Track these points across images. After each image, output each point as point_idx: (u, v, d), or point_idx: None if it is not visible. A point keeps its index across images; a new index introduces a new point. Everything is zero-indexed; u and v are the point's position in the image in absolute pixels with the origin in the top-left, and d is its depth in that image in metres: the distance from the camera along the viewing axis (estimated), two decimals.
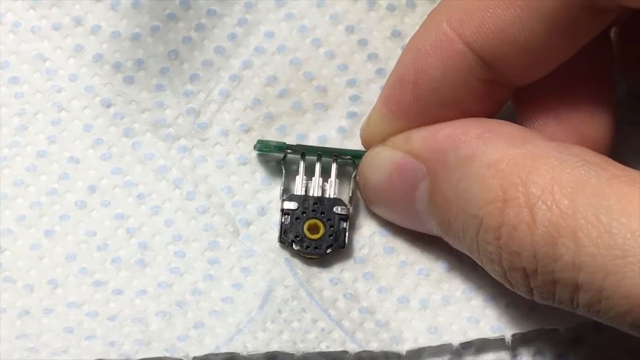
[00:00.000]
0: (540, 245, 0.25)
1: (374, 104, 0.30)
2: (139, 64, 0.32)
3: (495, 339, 0.29)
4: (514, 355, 0.29)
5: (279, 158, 0.31)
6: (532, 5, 0.26)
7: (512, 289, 0.27)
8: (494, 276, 0.27)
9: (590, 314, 0.25)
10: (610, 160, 0.25)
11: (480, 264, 0.27)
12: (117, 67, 0.32)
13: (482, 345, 0.29)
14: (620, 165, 0.25)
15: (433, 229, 0.29)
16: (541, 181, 0.25)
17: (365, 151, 0.30)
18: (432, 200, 0.28)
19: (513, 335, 0.29)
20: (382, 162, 0.29)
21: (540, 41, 0.27)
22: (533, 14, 0.26)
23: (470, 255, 0.28)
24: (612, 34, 0.30)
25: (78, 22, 0.32)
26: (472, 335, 0.29)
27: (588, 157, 0.25)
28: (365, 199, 0.30)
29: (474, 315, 0.29)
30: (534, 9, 0.26)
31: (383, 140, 0.30)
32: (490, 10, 0.27)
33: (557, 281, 0.25)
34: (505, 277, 0.26)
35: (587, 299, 0.25)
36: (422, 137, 0.28)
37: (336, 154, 0.31)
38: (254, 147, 0.31)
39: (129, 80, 0.32)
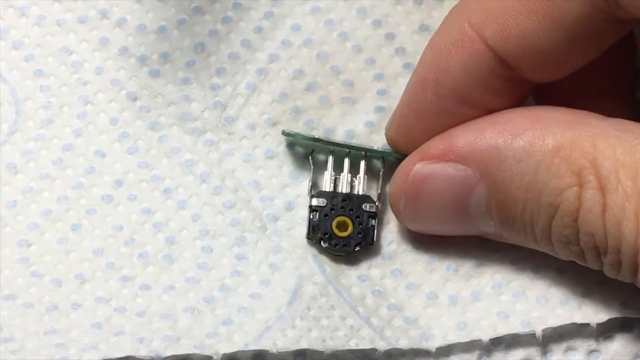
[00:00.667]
0: (609, 226, 0.26)
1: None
2: (165, 57, 0.32)
3: (525, 335, 0.29)
4: (545, 352, 0.29)
5: (306, 152, 0.31)
6: (554, 14, 0.26)
7: (585, 265, 0.27)
8: (565, 258, 0.28)
9: None
10: None
11: (548, 251, 0.28)
12: (143, 60, 0.32)
13: (512, 341, 0.29)
14: None
15: (488, 229, 0.29)
16: (607, 163, 0.26)
17: (392, 151, 0.30)
18: (494, 201, 0.28)
19: (543, 331, 0.29)
20: (425, 178, 0.29)
21: (560, 48, 0.27)
22: (555, 23, 0.27)
23: (534, 246, 0.28)
24: None
25: (104, 15, 0.32)
26: (502, 330, 0.29)
27: None
28: (405, 218, 0.30)
29: (504, 311, 0.29)
30: (556, 18, 0.26)
31: (406, 139, 0.29)
32: (512, 15, 0.27)
33: (622, 260, 0.26)
34: (583, 256, 0.27)
35: None
36: (467, 142, 0.28)
37: (363, 153, 0.30)
38: (282, 132, 0.31)
39: (154, 74, 0.32)
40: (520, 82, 0.28)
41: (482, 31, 0.27)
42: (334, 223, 0.30)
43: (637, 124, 0.26)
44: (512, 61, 0.27)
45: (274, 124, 0.32)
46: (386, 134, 0.30)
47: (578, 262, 0.27)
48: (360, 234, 0.30)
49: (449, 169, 0.28)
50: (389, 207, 0.31)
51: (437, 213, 0.29)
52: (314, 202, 0.30)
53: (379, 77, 0.32)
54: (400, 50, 0.32)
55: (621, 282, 0.29)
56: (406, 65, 0.32)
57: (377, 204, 0.30)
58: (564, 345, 0.29)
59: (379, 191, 0.31)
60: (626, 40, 0.29)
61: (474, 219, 0.28)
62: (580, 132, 0.26)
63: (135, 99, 0.31)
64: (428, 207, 0.29)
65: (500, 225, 0.28)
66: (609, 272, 0.27)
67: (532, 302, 0.29)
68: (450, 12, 0.29)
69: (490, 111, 0.28)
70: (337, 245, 0.30)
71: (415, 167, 0.29)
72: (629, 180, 0.25)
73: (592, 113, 0.27)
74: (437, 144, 0.28)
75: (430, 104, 0.29)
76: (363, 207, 0.30)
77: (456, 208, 0.28)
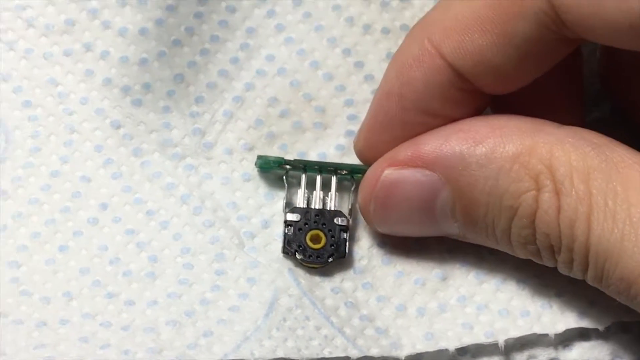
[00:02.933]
0: (563, 226, 0.27)
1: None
2: (147, 87, 0.33)
3: (489, 344, 0.30)
4: None
5: (281, 174, 0.32)
6: (506, 33, 0.28)
7: (541, 263, 0.29)
8: (523, 256, 0.29)
9: (600, 287, 0.28)
10: (615, 141, 0.28)
11: (507, 250, 0.29)
12: (125, 90, 0.33)
13: (477, 350, 0.30)
14: (626, 147, 0.27)
15: (452, 230, 0.30)
16: (562, 168, 0.27)
17: (361, 165, 0.32)
18: (458, 204, 0.29)
19: (506, 341, 0.30)
20: (393, 183, 0.30)
21: (513, 64, 0.29)
22: (507, 41, 0.28)
23: (494, 246, 0.30)
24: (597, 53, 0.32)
25: (88, 48, 0.33)
26: (467, 341, 0.30)
27: (595, 139, 0.28)
28: (374, 221, 0.31)
29: (469, 322, 0.31)
30: (508, 37, 0.28)
31: (373, 150, 0.31)
32: (469, 34, 0.29)
33: (574, 259, 0.27)
34: (539, 255, 0.28)
35: (593, 275, 0.27)
36: (433, 149, 0.29)
37: (332, 168, 0.32)
38: (255, 163, 0.32)
39: (137, 103, 0.33)
40: (478, 93, 0.30)
41: (440, 48, 0.29)
42: (308, 236, 0.31)
43: (589, 131, 0.28)
44: (469, 75, 0.29)
45: (250, 149, 0.33)
46: (355, 147, 0.32)
47: (534, 260, 0.29)
48: (333, 246, 0.31)
49: (416, 174, 0.29)
50: (360, 223, 0.32)
51: (405, 216, 0.30)
52: (289, 217, 0.31)
53: (349, 102, 0.33)
54: (369, 78, 0.33)
55: (577, 294, 0.30)
56: (375, 92, 0.32)
57: (348, 218, 0.32)
58: (526, 353, 0.30)
59: (349, 207, 0.32)
60: (575, 56, 0.31)
61: (439, 221, 0.30)
62: (538, 139, 0.28)
63: (118, 127, 0.33)
64: (396, 211, 0.30)
65: (463, 227, 0.30)
66: (562, 269, 0.28)
67: (495, 314, 0.31)
68: (412, 29, 0.30)
69: (452, 120, 0.30)
70: (311, 257, 0.31)
71: (385, 172, 0.30)
72: (582, 184, 0.27)
73: (548, 121, 0.29)
74: (404, 151, 0.30)
75: (395, 116, 0.30)
76: (335, 221, 0.31)
77: (423, 211, 0.30)
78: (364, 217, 0.31)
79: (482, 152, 0.28)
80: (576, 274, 0.28)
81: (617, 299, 0.28)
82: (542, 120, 0.29)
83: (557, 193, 0.27)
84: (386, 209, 0.30)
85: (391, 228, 0.31)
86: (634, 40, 0.27)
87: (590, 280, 0.28)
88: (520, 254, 0.29)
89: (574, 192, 0.27)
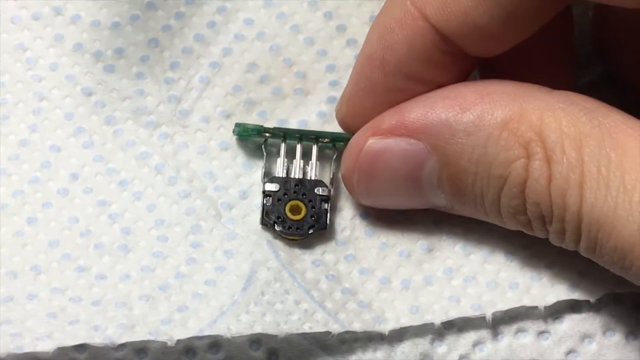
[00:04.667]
0: (554, 195, 0.26)
1: None
2: (119, 52, 0.32)
3: (476, 318, 0.29)
4: (496, 334, 0.30)
5: (259, 142, 0.31)
6: None
7: (532, 234, 0.28)
8: (513, 227, 0.28)
9: (593, 257, 0.27)
10: (608, 106, 0.27)
11: (496, 222, 0.29)
12: (97, 56, 0.32)
13: (464, 324, 0.29)
14: (620, 112, 0.27)
15: (440, 202, 0.29)
16: (553, 135, 0.26)
17: (343, 133, 0.31)
18: (445, 174, 0.28)
19: (494, 314, 0.29)
20: (378, 153, 0.29)
21: (499, 25, 0.28)
22: (493, 0, 0.27)
23: (483, 217, 0.29)
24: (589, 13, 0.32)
25: (58, 12, 0.32)
26: (454, 314, 0.29)
27: (587, 104, 0.27)
28: (357, 193, 0.30)
29: (455, 295, 0.30)
30: None
31: (356, 118, 0.30)
32: None
33: (565, 229, 0.27)
34: (530, 226, 0.28)
35: (586, 246, 0.27)
36: (418, 116, 0.28)
37: (313, 136, 0.31)
38: (233, 131, 0.31)
39: (109, 69, 0.32)
40: (464, 56, 0.29)
41: (424, 9, 0.28)
42: (287, 207, 0.30)
43: (581, 96, 0.27)
44: (453, 37, 0.28)
45: (228, 116, 0.32)
46: (336, 115, 0.31)
47: (525, 231, 0.28)
48: (314, 217, 0.30)
49: (401, 144, 0.29)
50: (342, 193, 0.31)
51: (390, 187, 0.29)
52: (267, 187, 0.30)
53: (330, 68, 0.32)
54: (352, 42, 0.33)
55: (568, 265, 0.30)
56: (357, 57, 0.32)
57: (329, 188, 0.31)
58: (514, 327, 0.30)
59: (331, 176, 0.31)
60: (565, 16, 0.30)
61: (425, 192, 0.29)
62: (528, 105, 0.27)
63: (90, 94, 0.32)
64: (381, 182, 0.29)
65: (451, 198, 0.29)
66: (553, 240, 0.28)
67: (483, 287, 0.30)
68: None
69: (437, 86, 0.29)
70: (291, 228, 0.30)
71: (368, 142, 0.29)
72: (574, 152, 0.26)
73: (538, 86, 0.28)
74: (388, 119, 0.29)
75: (377, 81, 0.29)
76: (316, 191, 0.30)
77: (408, 182, 0.29)
78: (347, 188, 0.31)
79: (470, 119, 0.27)
80: (568, 244, 0.27)
81: (611, 270, 0.27)
82: (532, 85, 0.28)
83: (548, 161, 0.26)
84: (370, 180, 0.29)
85: (375, 200, 0.30)
86: None
87: (583, 251, 0.27)
88: (510, 225, 0.28)
89: (565, 160, 0.26)
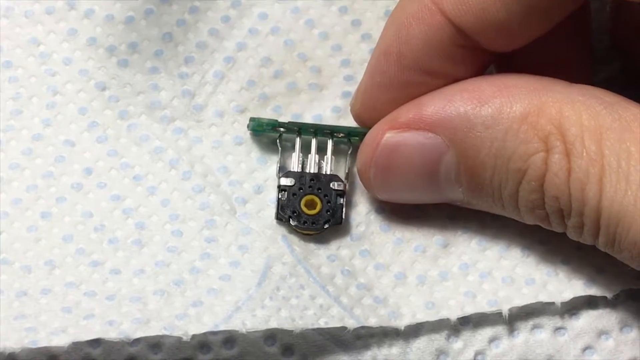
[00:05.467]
0: (573, 189, 0.26)
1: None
2: (133, 47, 0.32)
3: (492, 314, 0.29)
4: (512, 330, 0.29)
5: (274, 137, 0.31)
6: None
7: (549, 228, 0.28)
8: (531, 222, 0.28)
9: (611, 252, 0.27)
10: (627, 99, 0.27)
11: (514, 216, 0.29)
12: (111, 50, 0.32)
13: (480, 320, 0.29)
14: (638, 105, 0.26)
15: (457, 196, 0.29)
16: (573, 128, 0.26)
17: (359, 128, 0.31)
18: (462, 168, 0.28)
19: (510, 309, 0.29)
20: (395, 147, 0.29)
21: (517, 20, 0.28)
22: None
23: (500, 212, 0.29)
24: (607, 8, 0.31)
25: (71, 6, 0.32)
26: (469, 310, 0.29)
27: (607, 97, 0.27)
28: (374, 187, 0.30)
29: (471, 290, 0.30)
30: None
31: (371, 113, 0.30)
32: None
33: (584, 223, 0.27)
34: (547, 220, 0.28)
35: (604, 241, 0.27)
36: (436, 110, 0.28)
37: (328, 131, 0.31)
38: (247, 126, 0.31)
39: (123, 64, 0.32)
40: (480, 51, 0.29)
41: (441, 4, 0.28)
42: (303, 202, 0.30)
43: (600, 89, 0.27)
44: (470, 32, 0.28)
45: (242, 111, 0.32)
46: (351, 109, 0.31)
47: (543, 225, 0.28)
48: (329, 212, 0.30)
49: (418, 137, 0.28)
50: (357, 188, 0.31)
51: (407, 181, 0.29)
52: (282, 181, 0.30)
53: (345, 63, 0.32)
54: (367, 37, 0.32)
55: (584, 261, 0.29)
56: (372, 51, 0.32)
57: (345, 182, 0.31)
58: (531, 323, 0.29)
59: (346, 171, 0.31)
60: (582, 11, 0.30)
61: (443, 187, 0.29)
62: (547, 98, 0.27)
63: (104, 89, 0.32)
64: (398, 176, 0.29)
65: (468, 192, 0.29)
66: (571, 234, 0.27)
67: (499, 282, 0.30)
68: None
69: (454, 80, 0.29)
70: (306, 223, 0.30)
71: (385, 136, 0.29)
72: (593, 145, 0.26)
73: (557, 80, 0.28)
74: (405, 113, 0.29)
75: (393, 76, 0.29)
76: (331, 185, 0.30)
77: (425, 176, 0.29)
78: (363, 183, 0.30)
79: (488, 112, 0.27)
80: (586, 239, 0.27)
81: (630, 265, 0.27)
82: (551, 79, 0.28)
83: (568, 154, 0.26)
84: (387, 174, 0.29)
85: (392, 194, 0.30)
86: None
87: (601, 246, 0.27)
88: (528, 219, 0.28)
89: (585, 153, 0.26)
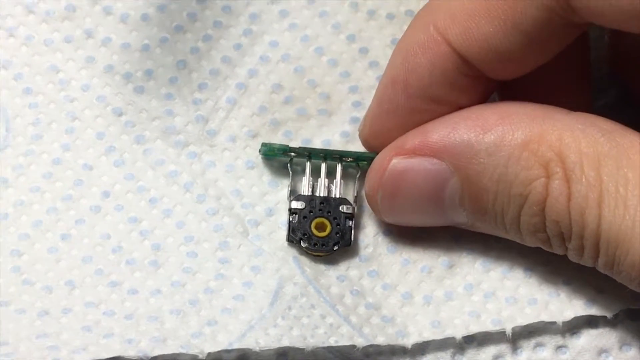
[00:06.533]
0: (574, 214, 0.27)
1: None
2: (149, 74, 0.33)
3: (496, 332, 0.30)
4: (515, 348, 0.30)
5: (285, 162, 0.32)
6: (514, 19, 0.28)
7: (550, 251, 0.29)
8: (532, 244, 0.29)
9: (610, 274, 0.28)
10: (625, 127, 0.27)
11: (516, 239, 0.29)
12: (127, 77, 0.33)
13: (484, 339, 0.30)
14: (637, 133, 0.27)
15: (461, 219, 0.30)
16: (572, 155, 0.27)
17: (367, 153, 0.31)
18: (467, 193, 0.29)
19: (513, 329, 0.30)
20: (401, 173, 0.30)
21: (519, 49, 0.28)
22: (514, 27, 0.28)
23: (503, 235, 0.29)
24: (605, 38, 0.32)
25: (89, 34, 0.33)
26: (474, 329, 0.30)
27: (605, 125, 0.27)
28: (381, 211, 0.31)
29: (475, 310, 0.30)
30: (515, 23, 0.28)
31: (379, 138, 0.31)
32: (475, 20, 0.28)
33: (584, 246, 0.27)
34: (549, 243, 0.28)
35: (604, 263, 0.27)
36: (441, 137, 0.29)
37: (337, 155, 0.32)
38: (259, 150, 0.32)
39: (139, 90, 0.33)
40: (484, 79, 0.29)
41: (446, 34, 0.29)
42: (313, 224, 0.31)
43: (599, 117, 0.28)
44: (475, 62, 0.29)
45: (254, 136, 0.33)
46: (360, 135, 0.32)
47: (544, 248, 0.29)
48: (338, 234, 0.31)
49: (424, 163, 0.29)
50: (365, 211, 0.32)
51: (413, 206, 0.30)
52: (294, 204, 0.31)
53: (353, 89, 0.33)
54: (374, 64, 0.33)
55: (585, 281, 0.30)
56: (379, 78, 0.32)
57: (353, 206, 0.31)
58: (533, 341, 0.30)
59: (355, 194, 0.32)
60: (581, 41, 0.31)
61: (447, 210, 0.30)
62: (547, 126, 0.28)
63: (120, 115, 0.32)
64: (405, 200, 0.30)
65: (472, 216, 0.29)
66: (572, 257, 0.28)
67: (502, 302, 0.30)
68: (417, 15, 0.30)
69: (458, 108, 0.30)
70: (317, 245, 0.31)
71: (392, 162, 0.30)
72: (592, 171, 0.27)
73: (557, 108, 0.28)
74: (412, 139, 0.29)
75: (400, 103, 0.30)
76: (340, 208, 0.31)
77: (431, 200, 0.30)
78: (371, 207, 0.31)
79: (491, 140, 0.28)
80: (587, 261, 0.28)
81: (629, 286, 0.27)
82: (551, 107, 0.29)
83: (568, 180, 0.27)
84: (394, 198, 0.30)
85: (399, 218, 0.31)
86: None
87: (601, 268, 0.28)
88: (530, 242, 0.29)
89: (584, 179, 0.27)
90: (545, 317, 0.30)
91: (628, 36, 0.30)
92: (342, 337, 0.29)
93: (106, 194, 0.32)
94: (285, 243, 0.31)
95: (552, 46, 0.29)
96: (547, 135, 0.27)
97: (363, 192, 0.32)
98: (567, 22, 0.28)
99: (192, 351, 0.28)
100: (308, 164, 0.32)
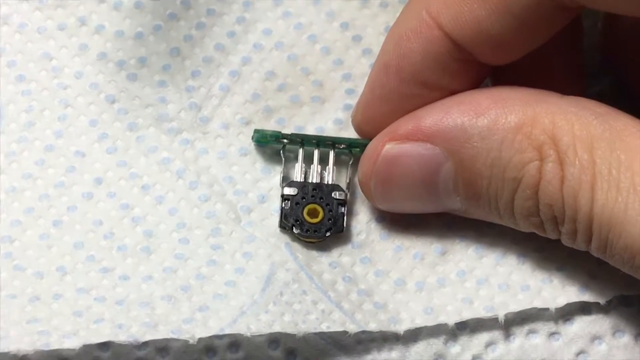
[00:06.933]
0: (567, 197, 0.27)
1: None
2: (142, 61, 0.33)
3: (489, 319, 0.30)
4: (508, 335, 0.30)
5: (278, 148, 0.32)
6: (505, 2, 0.28)
7: (544, 235, 0.29)
8: (526, 229, 0.29)
9: (603, 257, 0.28)
10: (618, 110, 0.27)
11: (510, 224, 0.29)
12: (120, 64, 0.33)
13: (477, 325, 0.30)
14: (630, 116, 0.27)
15: (455, 205, 0.30)
16: (565, 138, 0.27)
17: (359, 139, 0.31)
18: (460, 177, 0.29)
19: (506, 315, 0.30)
20: (395, 158, 0.30)
21: (511, 33, 0.28)
22: (506, 10, 0.28)
23: (497, 220, 0.29)
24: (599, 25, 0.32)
25: (82, 22, 0.33)
26: (467, 315, 0.30)
27: (598, 108, 0.27)
28: (375, 197, 0.31)
29: (468, 296, 0.30)
30: (507, 6, 0.28)
31: (371, 124, 0.31)
32: (467, 4, 0.28)
33: (577, 230, 0.27)
34: (542, 227, 0.28)
35: (597, 246, 0.27)
36: (434, 121, 0.29)
37: (330, 142, 0.32)
38: (252, 137, 0.32)
39: (132, 77, 0.33)
40: (477, 64, 0.29)
41: (438, 19, 0.29)
42: (305, 210, 0.31)
43: (592, 101, 0.28)
44: (467, 46, 0.29)
45: (247, 123, 0.33)
46: (353, 121, 0.32)
47: (538, 232, 0.29)
48: (331, 220, 0.31)
49: (418, 148, 0.29)
50: (358, 197, 0.32)
51: (406, 192, 0.30)
52: (286, 190, 0.31)
53: (347, 77, 0.33)
54: (367, 51, 0.33)
55: (578, 268, 0.30)
56: (373, 65, 0.33)
57: (346, 192, 0.31)
58: (526, 328, 0.30)
59: (347, 181, 0.32)
60: (574, 26, 0.31)
61: (441, 196, 0.30)
62: (540, 109, 0.28)
63: (113, 102, 0.33)
64: (398, 187, 0.30)
65: (466, 201, 0.29)
66: (565, 240, 0.28)
67: (495, 288, 0.30)
68: (410, 1, 0.30)
69: (451, 93, 0.29)
70: (309, 231, 0.31)
71: (385, 147, 0.30)
72: (585, 154, 0.27)
73: (550, 92, 0.28)
74: (405, 125, 0.29)
75: (393, 89, 0.30)
76: (333, 195, 0.31)
77: (425, 186, 0.29)
78: (364, 193, 0.31)
79: (484, 123, 0.28)
80: (580, 245, 0.28)
81: (622, 269, 0.27)
82: (544, 91, 0.29)
83: (561, 163, 0.27)
84: (388, 184, 0.30)
85: (392, 204, 0.31)
86: (635, 5, 0.26)
87: (594, 251, 0.28)
88: (524, 226, 0.29)
89: (577, 162, 0.27)
90: (538, 304, 0.30)
91: (621, 23, 0.30)
92: (334, 323, 0.29)
93: (98, 181, 0.32)
94: (278, 229, 0.31)
95: (544, 30, 0.29)
96: (540, 118, 0.27)
97: (356, 179, 0.32)
98: (559, 5, 0.28)
99: (183, 336, 0.28)
100: (301, 151, 0.32)
